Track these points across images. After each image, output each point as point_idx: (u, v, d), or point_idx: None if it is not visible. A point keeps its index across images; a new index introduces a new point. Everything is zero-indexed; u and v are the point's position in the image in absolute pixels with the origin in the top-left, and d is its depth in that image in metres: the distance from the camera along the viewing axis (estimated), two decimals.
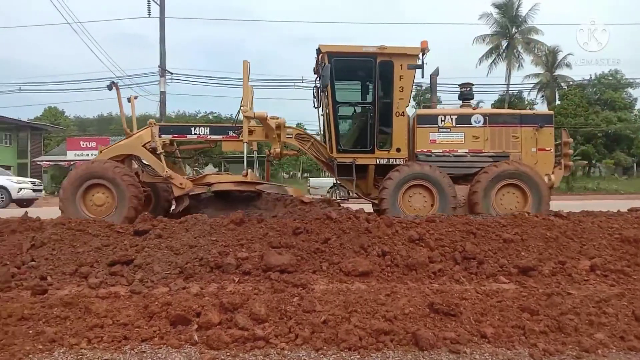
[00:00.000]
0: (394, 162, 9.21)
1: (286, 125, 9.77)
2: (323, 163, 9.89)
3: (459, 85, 10.44)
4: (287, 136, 9.80)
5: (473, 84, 10.51)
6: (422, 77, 9.45)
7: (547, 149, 9.28)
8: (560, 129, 10.35)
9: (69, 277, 5.35)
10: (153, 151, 9.15)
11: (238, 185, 9.13)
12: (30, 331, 3.57)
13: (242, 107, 8.97)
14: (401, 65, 9.11)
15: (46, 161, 41.91)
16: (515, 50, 46.26)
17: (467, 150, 9.25)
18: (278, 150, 9.57)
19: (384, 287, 4.86)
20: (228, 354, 3.45)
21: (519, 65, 46.57)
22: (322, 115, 9.97)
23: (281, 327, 3.81)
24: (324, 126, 9.87)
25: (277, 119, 9.58)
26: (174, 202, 9.87)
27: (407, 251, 5.72)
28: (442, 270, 5.45)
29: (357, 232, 6.14)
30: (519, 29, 46.31)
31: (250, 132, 9.42)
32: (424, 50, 9.10)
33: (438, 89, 10.43)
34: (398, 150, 9.26)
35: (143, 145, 9.20)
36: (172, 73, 28.30)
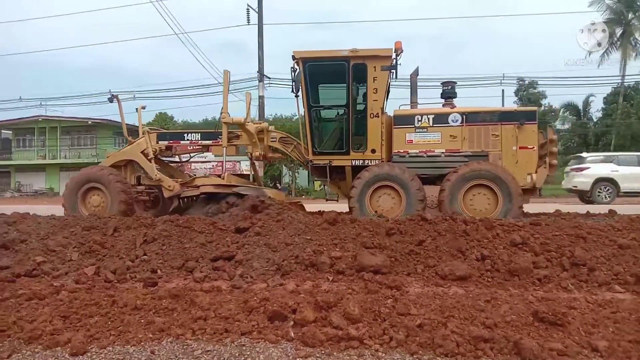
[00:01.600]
0: (369, 163, 9.18)
1: (269, 129, 10.23)
2: (305, 165, 10.00)
3: (441, 83, 10.22)
4: (272, 140, 10.20)
5: (456, 82, 10.28)
6: (396, 78, 9.41)
7: (529, 147, 8.82)
8: (546, 126, 9.58)
9: (177, 270, 5.73)
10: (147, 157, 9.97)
11: (217, 188, 9.52)
12: (142, 320, 3.86)
13: (221, 114, 9.65)
14: (375, 67, 9.10)
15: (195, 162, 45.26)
16: (631, 38, 42.11)
17: (443, 150, 9.07)
18: (257, 153, 9.89)
19: (484, 293, 4.66)
20: (323, 351, 3.49)
21: (635, 54, 42.34)
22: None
23: (375, 328, 3.78)
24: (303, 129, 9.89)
25: (260, 123, 10.20)
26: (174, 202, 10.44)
27: (509, 256, 5.44)
28: (548, 277, 5.10)
29: (454, 234, 5.94)
30: (637, 14, 42.09)
31: (237, 137, 10.01)
32: (397, 51, 9.06)
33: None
34: (373, 151, 9.28)
35: (142, 152, 9.99)
36: (269, 78, 29.29)
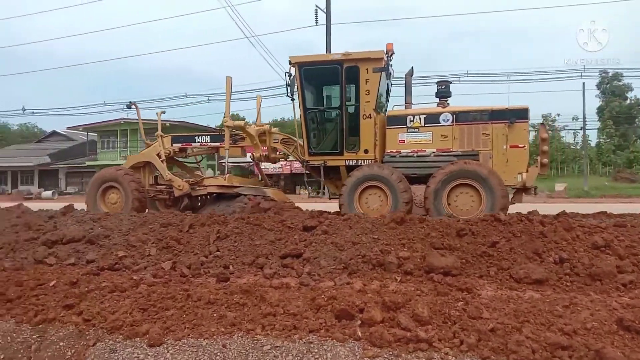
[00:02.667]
0: (362, 163, 9.36)
1: (272, 131, 10.67)
2: (303, 165, 10.34)
3: (436, 82, 10.22)
4: (274, 141, 10.66)
5: (450, 82, 10.20)
6: (387, 79, 9.68)
7: (520, 145, 8.63)
8: (538, 125, 9.25)
9: (248, 267, 5.88)
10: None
11: (220, 188, 10.27)
12: (215, 315, 3.99)
13: (223, 119, 10.31)
14: (367, 69, 9.25)
15: (230, 162, 46.88)
16: None
17: (434, 150, 9.07)
18: (258, 154, 10.59)
19: (562, 298, 4.40)
20: (390, 352, 3.45)
21: None
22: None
23: (445, 331, 3.69)
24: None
25: (262, 126, 10.73)
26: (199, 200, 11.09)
27: (590, 259, 5.11)
28: (634, 283, 4.75)
29: (529, 235, 5.67)
30: None
31: (243, 139, 10.63)
32: (389, 52, 9.31)
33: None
34: (366, 151, 9.45)
35: (157, 154, 10.87)
36: None
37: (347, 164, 9.57)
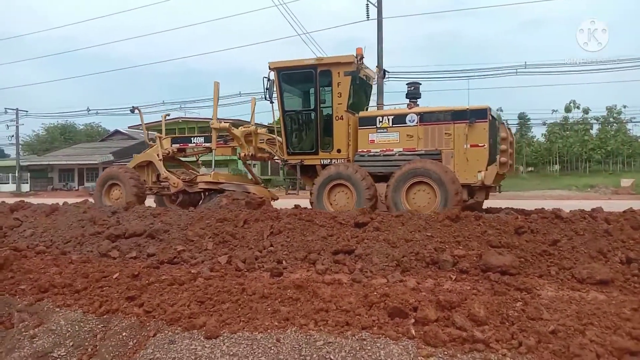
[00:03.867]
0: (336, 162, 9.87)
1: (258, 132, 11.41)
2: (283, 164, 11.05)
3: (407, 84, 10.67)
4: (260, 141, 11.38)
5: (420, 83, 10.67)
6: (357, 82, 10.03)
7: (480, 145, 8.85)
8: (500, 124, 9.37)
9: (300, 262, 5.93)
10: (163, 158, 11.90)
11: (207, 185, 11.09)
12: (269, 309, 4.06)
13: (210, 121, 11.23)
14: (338, 72, 9.78)
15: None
16: None
17: (401, 149, 9.41)
18: (243, 153, 11.36)
19: (630, 300, 4.17)
20: (445, 352, 3.39)
21: None
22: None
23: (502, 332, 3.58)
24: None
25: (248, 127, 11.50)
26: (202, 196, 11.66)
27: None
28: None
29: (593, 234, 5.41)
30: None
31: (232, 139, 11.43)
32: (358, 56, 9.74)
33: None
34: (339, 151, 9.97)
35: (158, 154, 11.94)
36: (388, 72, 29.12)
37: (322, 162, 10.14)
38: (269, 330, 3.67)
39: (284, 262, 5.97)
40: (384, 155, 9.54)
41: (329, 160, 10.06)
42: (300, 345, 3.50)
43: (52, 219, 8.39)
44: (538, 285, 4.63)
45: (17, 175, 49.63)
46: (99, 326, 4.14)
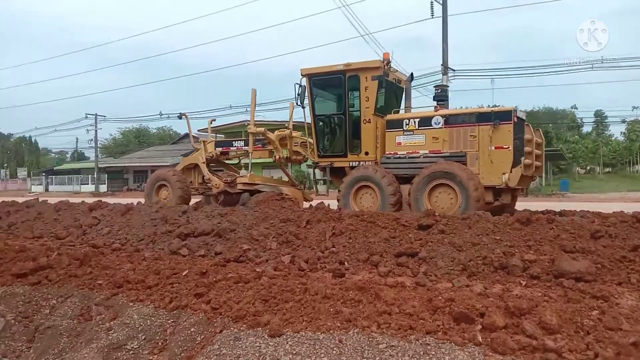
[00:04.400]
0: (364, 164, 10.21)
1: (293, 135, 11.80)
2: (314, 166, 11.60)
3: (434, 87, 11.01)
4: (295, 145, 11.85)
5: (447, 86, 11.30)
6: (384, 86, 10.17)
7: (504, 146, 8.85)
8: (526, 126, 9.21)
9: (362, 263, 5.90)
10: (207, 161, 12.65)
11: (244, 186, 11.71)
12: (331, 309, 4.06)
13: (248, 126, 12.09)
14: (366, 77, 10.09)
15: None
16: None
17: (427, 152, 9.54)
18: (278, 156, 11.91)
19: None
20: None
21: None
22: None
23: (576, 342, 3.38)
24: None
25: (283, 131, 11.93)
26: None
27: None
28: None
29: None
30: None
31: (268, 143, 12.05)
32: (385, 61, 10.02)
33: None
34: (366, 153, 10.28)
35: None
36: (454, 70, 28.35)
37: (351, 165, 10.49)
38: (331, 331, 3.67)
39: (346, 263, 5.96)
40: (409, 158, 9.74)
41: (357, 163, 10.38)
42: (362, 347, 3.47)
43: (127, 217, 8.86)
44: (616, 294, 4.33)
45: (95, 176, 52.84)
46: (169, 321, 4.31)
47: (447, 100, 10.72)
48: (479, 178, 8.86)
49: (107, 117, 54.68)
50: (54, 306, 5.07)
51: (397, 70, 10.98)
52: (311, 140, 11.25)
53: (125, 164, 55.06)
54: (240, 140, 13.22)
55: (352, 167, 10.35)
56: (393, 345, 3.46)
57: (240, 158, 13.58)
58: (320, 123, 11.04)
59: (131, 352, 4.10)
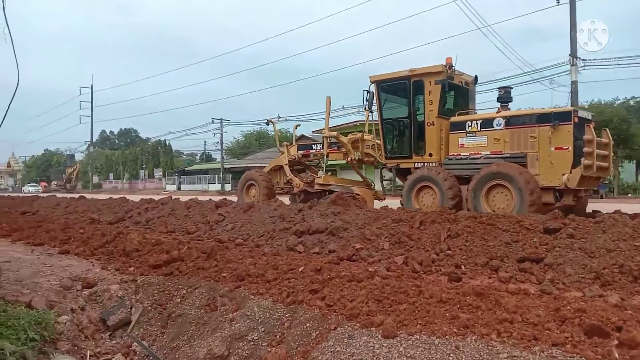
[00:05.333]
0: (427, 165, 10.69)
1: (364, 138, 12.47)
2: (382, 167, 12.50)
3: (498, 89, 11.15)
4: (366, 147, 12.45)
5: (511, 87, 11.11)
6: (447, 89, 10.53)
7: (564, 147, 8.92)
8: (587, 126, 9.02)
9: (480, 268, 5.64)
10: (289, 163, 13.90)
11: (320, 186, 12.71)
12: (447, 314, 3.92)
13: (323, 131, 13.33)
14: (430, 82, 10.53)
15: None
16: None
17: (489, 153, 9.77)
18: (350, 158, 12.61)
19: None
20: None
21: None
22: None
23: None
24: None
25: (355, 135, 12.77)
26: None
27: None
28: None
29: None
30: None
31: (341, 147, 12.87)
32: (448, 65, 10.38)
33: None
34: (430, 155, 10.73)
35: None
36: (584, 60, 25.96)
37: (416, 166, 10.97)
38: (447, 336, 3.54)
39: (462, 266, 5.75)
40: (470, 159, 10.05)
41: (422, 164, 10.87)
42: (481, 356, 3.31)
43: (249, 215, 9.38)
44: None
45: (221, 176, 56.67)
46: (286, 315, 4.48)
47: (511, 101, 10.86)
48: (538, 179, 9.03)
49: (231, 121, 58.40)
50: (184, 296, 5.53)
51: (463, 73, 11.23)
52: (379, 142, 12.05)
53: (248, 165, 58.34)
54: (318, 143, 14.13)
55: (417, 168, 10.90)
56: (515, 356, 3.25)
57: (318, 160, 14.44)
58: (388, 126, 11.77)
59: (251, 343, 4.33)
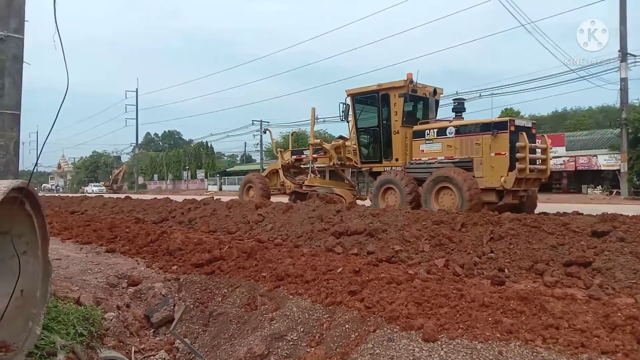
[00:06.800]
0: (392, 169, 12.12)
1: (346, 144, 13.94)
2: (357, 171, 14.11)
3: (453, 99, 13.43)
4: (347, 152, 13.86)
5: (465, 99, 14.23)
6: (408, 100, 12.15)
7: (502, 153, 10.22)
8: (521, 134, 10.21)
9: (525, 272, 5.48)
10: (283, 167, 15.74)
11: (306, 187, 14.60)
12: (490, 318, 3.83)
13: (309, 139, 15.37)
14: (394, 95, 12.07)
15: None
16: None
17: (443, 158, 11.06)
18: (332, 162, 14.34)
19: None
20: None
21: None
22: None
23: None
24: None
25: (338, 142, 14.40)
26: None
27: None
28: None
29: None
30: None
31: (326, 152, 14.50)
32: (409, 80, 11.82)
33: None
34: (396, 160, 12.22)
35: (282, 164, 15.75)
36: (635, 55, 24.88)
37: (385, 169, 12.38)
38: (489, 342, 3.46)
39: (506, 270, 5.61)
40: (427, 163, 11.47)
41: (389, 168, 12.29)
42: None
43: (288, 215, 9.45)
44: None
45: None
46: (325, 316, 4.48)
47: (464, 111, 12.67)
48: (482, 180, 10.33)
49: (270, 122, 59.03)
50: (225, 294, 5.61)
51: (426, 86, 12.53)
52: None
53: None
54: (305, 149, 15.83)
55: (385, 172, 12.31)
56: None
57: (311, 164, 15.72)
58: (362, 134, 13.43)
59: (291, 343, 4.35)
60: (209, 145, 76.60)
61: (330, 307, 4.55)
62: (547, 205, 16.69)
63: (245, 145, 75.54)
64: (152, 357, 4.63)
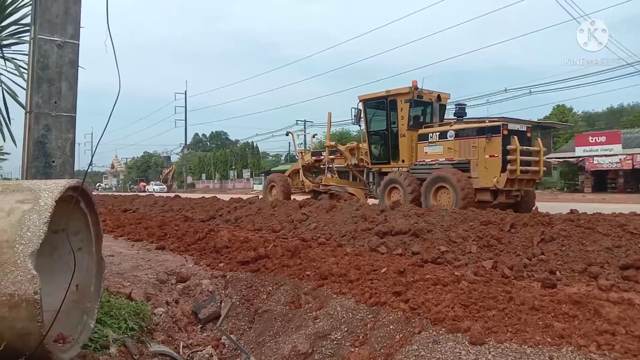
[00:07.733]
0: (397, 170, 13.08)
1: (360, 146, 14.96)
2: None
3: (455, 104, 14.72)
4: (361, 154, 14.80)
5: (466, 105, 14.45)
6: (412, 106, 13.12)
7: (495, 155, 11.01)
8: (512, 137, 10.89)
9: (578, 275, 5.27)
10: (304, 168, 16.58)
11: (323, 187, 15.34)
12: (540, 322, 3.70)
13: (325, 142, 16.15)
14: (401, 100, 13.09)
15: (555, 158, 43.14)
16: None
17: (444, 160, 12.08)
18: (347, 163, 15.22)
19: None
20: None
21: None
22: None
23: None
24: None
25: (352, 144, 15.56)
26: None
27: None
28: None
29: None
30: None
31: (342, 154, 15.29)
32: (414, 87, 12.88)
33: None
34: (403, 161, 13.26)
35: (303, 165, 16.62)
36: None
37: (392, 170, 13.22)
38: (540, 346, 3.34)
39: (557, 272, 5.41)
40: (428, 164, 12.32)
41: (397, 169, 13.16)
42: None
43: (331, 214, 9.46)
44: None
45: None
46: (369, 316, 4.45)
47: (465, 115, 13.40)
48: (478, 181, 11.11)
49: (313, 122, 59.31)
50: (269, 292, 5.68)
51: (432, 92, 13.41)
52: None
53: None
54: (323, 151, 16.43)
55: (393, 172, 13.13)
56: None
57: (327, 164, 16.37)
58: (372, 137, 14.33)
59: (335, 342, 4.35)
60: (254, 145, 77.82)
61: (374, 308, 4.52)
62: (602, 205, 16.00)
63: (289, 145, 76.17)
64: (199, 352, 4.74)
